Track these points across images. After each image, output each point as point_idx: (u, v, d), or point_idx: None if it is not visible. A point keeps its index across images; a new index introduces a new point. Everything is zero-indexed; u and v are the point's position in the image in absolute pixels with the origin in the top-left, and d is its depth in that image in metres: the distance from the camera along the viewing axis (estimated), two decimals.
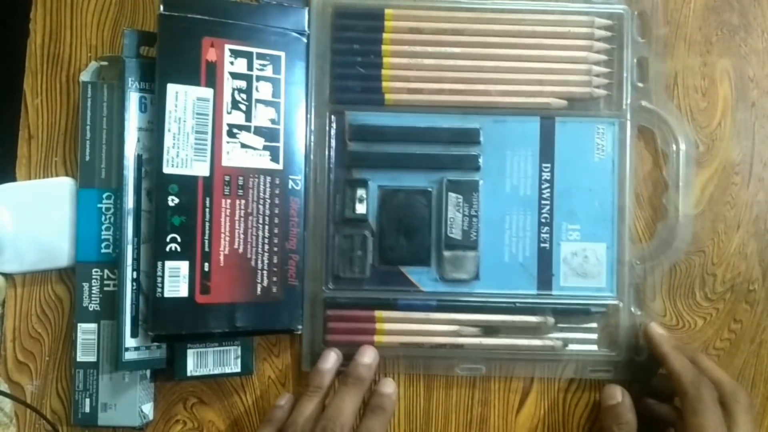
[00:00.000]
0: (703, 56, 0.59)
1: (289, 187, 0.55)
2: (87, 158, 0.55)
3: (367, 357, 0.54)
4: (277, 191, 0.54)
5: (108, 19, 0.58)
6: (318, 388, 0.53)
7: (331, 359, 0.54)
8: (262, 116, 0.54)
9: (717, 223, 0.59)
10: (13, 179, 0.57)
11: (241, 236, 0.53)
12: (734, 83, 0.59)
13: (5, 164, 0.57)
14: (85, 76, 0.56)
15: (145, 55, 0.54)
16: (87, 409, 0.54)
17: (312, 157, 0.55)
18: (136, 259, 0.53)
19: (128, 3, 0.58)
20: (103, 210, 0.55)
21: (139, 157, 0.53)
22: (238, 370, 0.55)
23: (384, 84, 0.55)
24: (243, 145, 0.53)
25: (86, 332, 0.54)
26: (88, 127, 0.55)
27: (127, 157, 0.53)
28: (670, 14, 0.59)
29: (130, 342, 0.53)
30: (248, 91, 0.53)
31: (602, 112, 0.56)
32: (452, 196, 0.55)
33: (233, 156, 0.53)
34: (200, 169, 0.52)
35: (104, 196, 0.55)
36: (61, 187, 0.56)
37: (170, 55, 0.51)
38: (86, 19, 0.58)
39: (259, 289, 0.54)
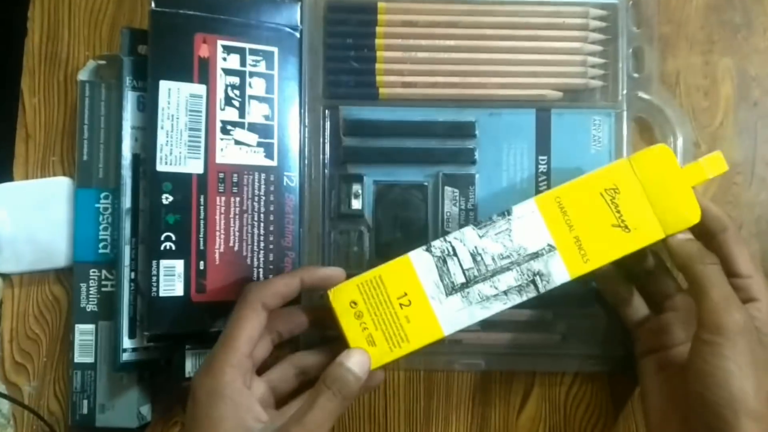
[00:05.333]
0: (704, 55, 0.59)
1: (284, 183, 0.54)
2: (85, 158, 0.55)
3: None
4: (271, 188, 0.54)
5: (106, 18, 0.59)
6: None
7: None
8: (255, 112, 0.54)
9: None
10: (11, 179, 0.57)
11: (237, 234, 0.53)
12: (736, 82, 0.59)
13: (2, 164, 0.57)
14: (82, 75, 0.56)
15: (144, 54, 0.54)
16: (85, 411, 0.54)
17: (306, 152, 0.55)
18: (134, 260, 0.52)
19: (126, 1, 0.59)
20: (101, 210, 0.55)
21: (136, 157, 0.53)
22: None
23: (378, 78, 0.55)
24: (237, 142, 0.53)
25: (84, 333, 0.54)
26: (85, 127, 0.55)
27: (125, 157, 0.53)
28: (671, 13, 0.59)
29: (127, 343, 0.52)
30: (241, 88, 0.53)
31: (598, 104, 0.56)
32: (448, 190, 0.55)
33: (227, 153, 0.53)
34: (194, 166, 0.52)
35: (102, 195, 0.55)
36: (59, 187, 0.56)
37: (162, 51, 0.51)
38: (84, 18, 0.59)
39: None
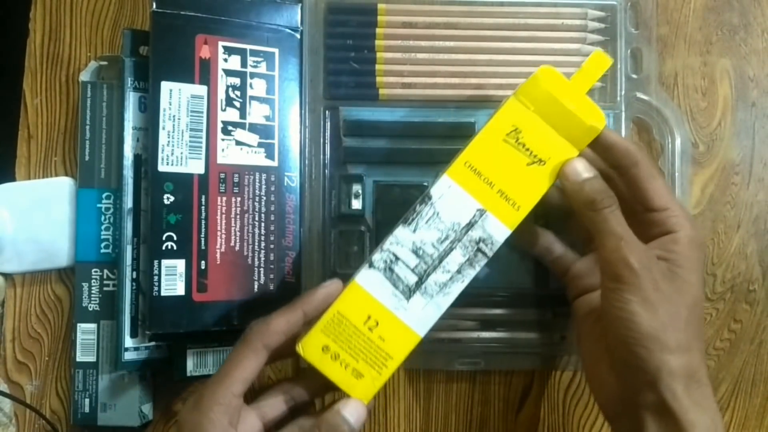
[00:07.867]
0: (703, 56, 0.59)
1: (285, 183, 0.55)
2: (86, 158, 0.55)
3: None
4: (272, 188, 0.54)
5: (107, 19, 0.59)
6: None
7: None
8: (256, 113, 0.54)
9: (717, 223, 0.58)
10: (13, 179, 0.57)
11: (237, 234, 0.53)
12: (734, 83, 0.59)
13: (4, 164, 0.57)
14: (84, 76, 0.56)
15: (145, 55, 0.54)
16: (86, 410, 0.54)
17: (307, 153, 0.55)
18: (136, 259, 0.53)
19: (128, 2, 0.59)
20: (103, 210, 0.55)
21: (138, 157, 0.53)
22: None
23: (378, 79, 0.55)
24: (238, 143, 0.53)
25: (86, 332, 0.54)
26: (87, 127, 0.55)
27: (126, 157, 0.53)
28: (670, 14, 0.59)
29: (129, 342, 0.53)
30: (242, 88, 0.54)
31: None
32: None
33: (228, 153, 0.53)
34: (195, 166, 0.52)
35: (104, 195, 0.55)
36: (61, 187, 0.57)
37: (163, 52, 0.52)
38: (86, 19, 0.59)
39: (256, 286, 0.54)
